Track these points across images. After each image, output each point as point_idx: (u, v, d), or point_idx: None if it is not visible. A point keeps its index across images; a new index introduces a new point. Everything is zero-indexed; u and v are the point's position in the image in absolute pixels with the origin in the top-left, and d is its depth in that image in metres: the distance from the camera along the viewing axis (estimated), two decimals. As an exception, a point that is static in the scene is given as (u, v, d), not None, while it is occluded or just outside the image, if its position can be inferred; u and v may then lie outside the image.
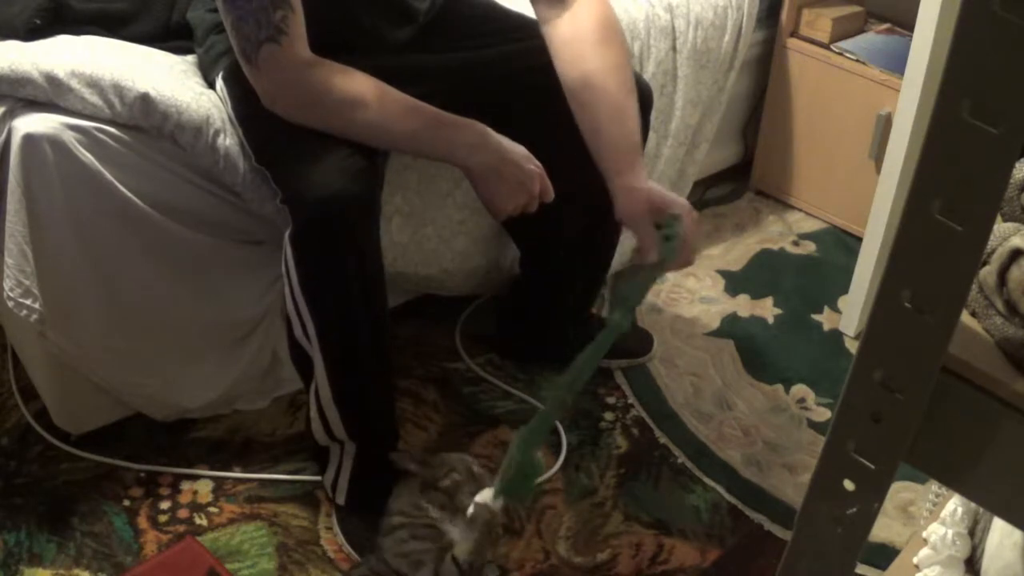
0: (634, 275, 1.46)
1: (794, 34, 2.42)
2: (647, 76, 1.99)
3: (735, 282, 2.29)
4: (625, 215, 1.48)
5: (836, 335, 2.16)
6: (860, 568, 1.61)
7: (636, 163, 1.49)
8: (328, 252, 1.40)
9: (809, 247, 2.43)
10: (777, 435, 1.89)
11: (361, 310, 1.45)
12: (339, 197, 1.37)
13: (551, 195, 1.53)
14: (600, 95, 1.52)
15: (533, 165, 1.50)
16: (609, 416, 1.90)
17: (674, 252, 1.44)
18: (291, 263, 1.42)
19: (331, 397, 1.50)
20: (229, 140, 1.53)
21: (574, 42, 1.55)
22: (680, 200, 1.50)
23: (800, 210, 2.54)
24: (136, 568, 1.53)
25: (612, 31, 1.56)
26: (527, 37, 1.72)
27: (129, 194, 1.51)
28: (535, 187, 1.50)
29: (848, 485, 0.81)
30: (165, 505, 1.65)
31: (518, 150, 1.49)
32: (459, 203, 1.84)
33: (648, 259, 1.45)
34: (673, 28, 2.06)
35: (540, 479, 1.67)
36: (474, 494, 1.42)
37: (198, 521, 1.63)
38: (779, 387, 2.01)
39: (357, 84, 1.42)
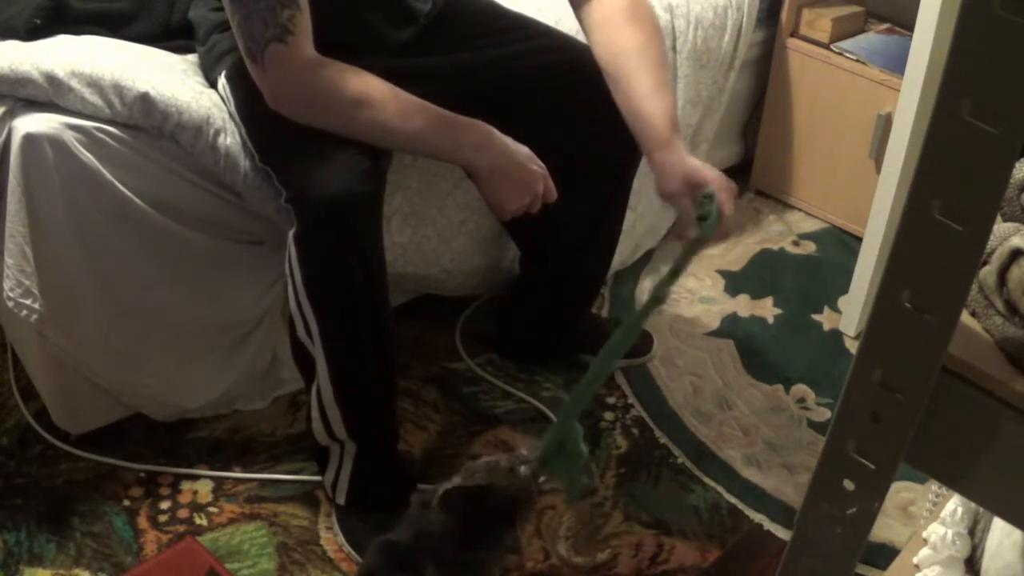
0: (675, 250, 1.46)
1: (794, 34, 2.42)
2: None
3: (735, 282, 2.29)
4: (663, 192, 1.50)
5: (836, 335, 2.16)
6: (860, 568, 1.61)
7: (673, 138, 1.50)
8: (333, 252, 1.40)
9: (809, 247, 2.43)
10: (777, 435, 1.89)
11: (364, 309, 1.45)
12: (345, 197, 1.37)
13: (555, 195, 1.54)
14: (633, 72, 1.54)
15: (537, 165, 1.51)
16: (609, 416, 1.90)
17: (711, 228, 1.42)
18: (295, 262, 1.42)
19: (333, 396, 1.50)
20: (230, 140, 1.53)
21: (606, 23, 1.58)
22: (716, 174, 1.49)
23: (800, 210, 2.54)
24: (136, 568, 1.53)
25: (641, 9, 1.59)
26: (527, 37, 1.72)
27: (129, 194, 1.51)
28: (539, 187, 1.51)
29: (848, 485, 0.81)
30: (165, 505, 1.65)
31: (522, 150, 1.50)
32: (459, 203, 1.84)
33: (687, 236, 1.45)
34: (673, 28, 2.06)
35: (585, 467, 1.57)
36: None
37: (198, 521, 1.63)
38: (779, 387, 2.01)
39: (363, 84, 1.42)
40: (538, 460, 1.35)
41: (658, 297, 1.40)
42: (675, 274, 1.43)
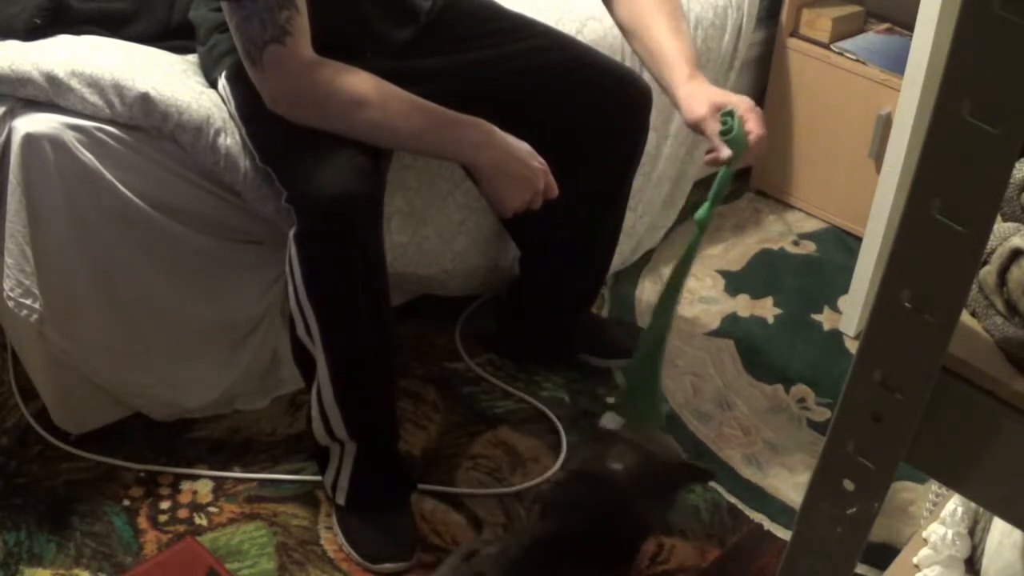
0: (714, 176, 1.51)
1: (794, 34, 2.41)
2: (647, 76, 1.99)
3: (735, 282, 2.29)
4: (689, 119, 1.54)
5: (836, 335, 2.16)
6: (860, 568, 1.61)
7: (695, 73, 1.56)
8: (334, 251, 1.40)
9: (809, 247, 2.43)
10: (777, 435, 1.89)
11: (365, 310, 1.45)
12: (347, 196, 1.37)
13: (556, 191, 1.54)
14: (651, 21, 1.61)
15: (537, 162, 1.51)
16: (609, 416, 1.90)
17: (739, 144, 1.47)
18: (295, 262, 1.42)
19: (333, 396, 1.50)
20: (230, 140, 1.53)
21: None
22: (740, 97, 1.53)
23: (800, 210, 2.54)
24: (136, 568, 1.53)
25: None
26: (528, 37, 1.72)
27: (129, 194, 1.51)
28: (540, 183, 1.51)
29: (848, 485, 0.81)
30: (165, 505, 1.65)
31: (523, 147, 1.50)
32: (459, 203, 1.84)
33: (721, 158, 1.49)
34: (673, 28, 2.06)
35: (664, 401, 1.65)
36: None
37: (198, 521, 1.63)
38: (779, 387, 2.01)
39: (361, 84, 1.42)
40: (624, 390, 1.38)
41: (701, 223, 1.46)
42: (716, 197, 1.48)
